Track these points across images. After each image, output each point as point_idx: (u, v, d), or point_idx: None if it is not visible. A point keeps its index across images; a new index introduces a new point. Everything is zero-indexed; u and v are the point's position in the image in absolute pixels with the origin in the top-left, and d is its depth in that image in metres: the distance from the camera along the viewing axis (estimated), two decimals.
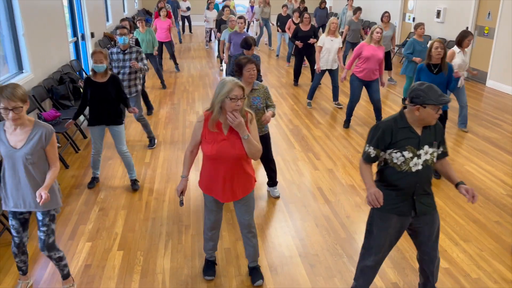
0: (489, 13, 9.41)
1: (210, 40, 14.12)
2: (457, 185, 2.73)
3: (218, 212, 3.22)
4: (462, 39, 6.02)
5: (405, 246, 3.82)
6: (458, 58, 6.07)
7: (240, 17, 7.80)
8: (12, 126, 2.77)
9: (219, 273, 3.45)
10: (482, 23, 9.67)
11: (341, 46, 7.48)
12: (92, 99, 4.48)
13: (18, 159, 2.79)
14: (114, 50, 5.62)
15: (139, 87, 5.78)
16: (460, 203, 4.56)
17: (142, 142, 6.13)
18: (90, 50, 9.61)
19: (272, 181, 4.70)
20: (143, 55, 5.68)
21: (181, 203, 3.04)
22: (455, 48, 6.14)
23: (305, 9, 13.62)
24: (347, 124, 6.87)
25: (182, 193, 3.06)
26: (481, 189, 4.86)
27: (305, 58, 9.17)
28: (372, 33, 6.32)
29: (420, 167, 2.66)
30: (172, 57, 10.37)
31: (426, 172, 2.69)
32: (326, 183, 5.02)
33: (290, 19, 10.72)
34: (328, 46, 7.39)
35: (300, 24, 8.85)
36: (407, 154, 2.64)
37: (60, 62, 7.37)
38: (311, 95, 7.92)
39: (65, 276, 3.18)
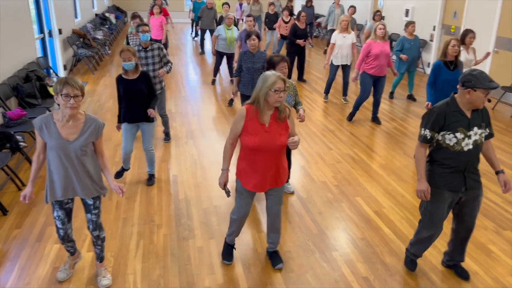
0: (455, 12, 9.68)
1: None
2: (497, 173, 3.10)
3: (250, 203, 3.34)
4: (464, 37, 6.27)
5: (376, 241, 3.89)
6: (461, 56, 6.31)
7: (249, 15, 7.98)
8: (65, 117, 2.85)
9: (192, 272, 3.43)
10: (448, 22, 9.94)
11: (354, 41, 7.71)
12: (124, 97, 4.49)
13: (70, 151, 2.88)
14: (136, 48, 5.53)
15: (163, 83, 5.79)
16: None
17: (112, 141, 6.01)
18: (57, 47, 9.36)
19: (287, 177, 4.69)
20: (165, 51, 5.64)
21: (228, 194, 3.21)
22: None
23: (292, 8, 13.73)
24: (350, 117, 7.09)
25: (225, 185, 3.20)
26: None
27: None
28: (375, 30, 6.52)
29: (471, 146, 2.96)
30: None
31: (476, 151, 3.00)
32: (299, 179, 5.06)
33: (280, 18, 10.69)
34: (340, 43, 7.65)
35: (297, 23, 9.05)
36: (459, 135, 2.94)
37: (26, 60, 7.14)
38: (327, 90, 8.21)
39: (102, 258, 3.32)
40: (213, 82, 9.28)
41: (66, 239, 3.19)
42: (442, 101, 3.03)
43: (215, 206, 4.40)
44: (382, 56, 6.49)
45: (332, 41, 7.71)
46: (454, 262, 3.44)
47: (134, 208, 4.36)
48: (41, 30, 8.74)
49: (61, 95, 2.74)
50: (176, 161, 5.47)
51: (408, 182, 5.02)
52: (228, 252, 3.58)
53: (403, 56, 7.68)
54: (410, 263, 3.48)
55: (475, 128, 2.96)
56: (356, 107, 6.99)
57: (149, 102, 4.56)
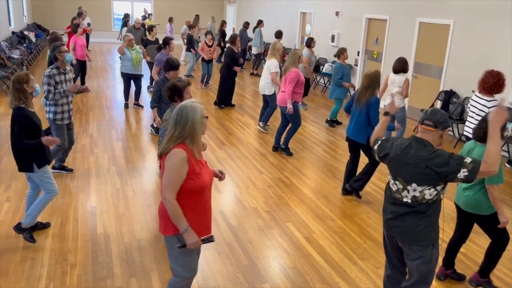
0: (377, 39, 10.20)
1: None
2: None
3: (199, 254, 2.95)
4: (407, 65, 6.40)
5: (306, 269, 3.79)
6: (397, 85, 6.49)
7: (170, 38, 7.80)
8: None
9: None
10: (371, 48, 10.44)
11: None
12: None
13: None
14: (55, 71, 4.86)
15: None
16: (357, 220, 4.69)
17: None
18: None
19: None
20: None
21: (211, 238, 2.76)
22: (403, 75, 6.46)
23: (224, 32, 13.79)
24: (288, 151, 6.68)
25: (202, 240, 2.71)
26: (376, 206, 5.08)
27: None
28: (300, 59, 6.35)
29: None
30: (83, 76, 9.95)
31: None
32: (229, 206, 4.87)
33: (203, 41, 10.54)
34: (278, 71, 7.33)
35: (233, 47, 8.90)
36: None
37: None
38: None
39: None
40: (126, 106, 8.77)
41: None
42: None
43: (138, 240, 4.07)
44: (303, 84, 6.44)
45: (275, 70, 7.23)
46: None
47: (44, 245, 3.91)
48: None
49: None
50: (96, 191, 5.06)
51: (338, 206, 5.03)
52: None
53: (347, 84, 7.85)
54: None
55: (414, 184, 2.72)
56: (292, 136, 6.67)
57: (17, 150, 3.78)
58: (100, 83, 10.84)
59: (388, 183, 2.85)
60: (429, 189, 2.62)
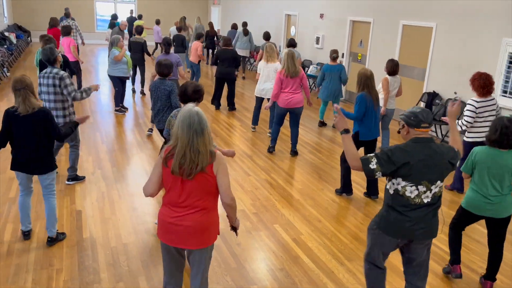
0: (361, 41, 10.31)
1: None
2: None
3: None
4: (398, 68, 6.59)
5: (294, 270, 3.81)
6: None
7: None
8: None
9: None
10: (355, 50, 10.55)
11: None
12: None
13: None
14: (66, 72, 4.80)
15: None
16: (343, 221, 4.74)
17: (6, 175, 5.36)
18: None
19: None
20: None
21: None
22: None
23: (215, 33, 13.71)
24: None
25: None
26: (361, 207, 5.13)
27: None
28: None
29: None
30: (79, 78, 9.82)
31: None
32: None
33: (199, 43, 10.50)
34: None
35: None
36: None
37: None
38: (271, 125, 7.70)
39: None
40: (123, 108, 8.64)
41: None
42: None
43: (124, 244, 4.04)
44: None
45: None
46: None
47: (29, 251, 3.84)
48: None
49: None
50: (81, 194, 4.99)
51: (324, 207, 5.06)
52: None
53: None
54: None
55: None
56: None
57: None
58: (83, 85, 10.70)
59: (398, 193, 2.79)
60: (442, 182, 2.83)
